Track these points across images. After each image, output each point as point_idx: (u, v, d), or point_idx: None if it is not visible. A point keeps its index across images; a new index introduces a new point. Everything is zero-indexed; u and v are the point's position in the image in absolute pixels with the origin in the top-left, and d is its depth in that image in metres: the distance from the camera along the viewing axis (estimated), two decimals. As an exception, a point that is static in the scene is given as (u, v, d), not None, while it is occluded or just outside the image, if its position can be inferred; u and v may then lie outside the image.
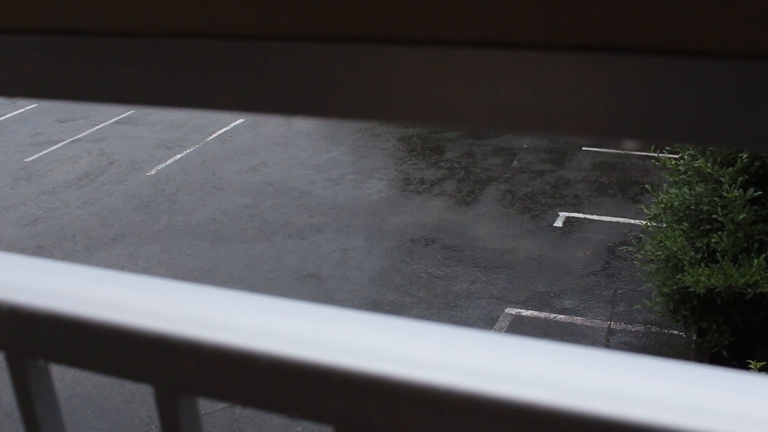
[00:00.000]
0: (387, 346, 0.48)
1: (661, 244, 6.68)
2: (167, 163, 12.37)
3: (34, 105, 15.17)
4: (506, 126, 0.41)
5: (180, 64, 0.46)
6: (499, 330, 7.72)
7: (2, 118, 14.82)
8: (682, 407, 0.41)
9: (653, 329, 7.66)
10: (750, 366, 5.20)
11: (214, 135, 13.36)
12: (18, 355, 0.58)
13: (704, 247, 6.55)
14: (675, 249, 6.55)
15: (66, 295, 0.56)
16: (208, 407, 6.62)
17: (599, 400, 0.43)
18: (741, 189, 6.34)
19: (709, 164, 6.53)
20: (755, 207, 6.38)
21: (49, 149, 13.15)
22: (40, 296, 0.56)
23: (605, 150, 11.79)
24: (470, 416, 0.45)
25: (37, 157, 12.85)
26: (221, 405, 6.40)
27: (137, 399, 6.89)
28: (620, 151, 11.70)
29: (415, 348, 0.48)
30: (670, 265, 6.68)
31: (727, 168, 6.46)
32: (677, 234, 6.63)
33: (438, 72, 0.40)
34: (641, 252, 7.10)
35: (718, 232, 6.38)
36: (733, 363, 6.45)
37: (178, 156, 12.61)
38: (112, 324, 0.53)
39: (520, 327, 7.76)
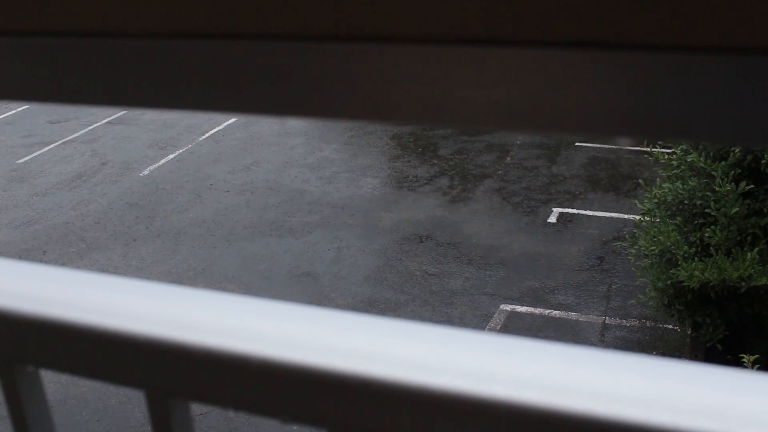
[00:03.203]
0: (380, 348, 0.48)
1: (655, 239, 6.69)
2: (160, 163, 12.35)
3: (26, 106, 15.13)
4: (498, 124, 0.41)
5: (171, 65, 0.46)
6: (495, 326, 7.72)
7: (-6, 119, 14.79)
8: (679, 407, 0.41)
9: (648, 324, 7.67)
10: (743, 360, 5.21)
11: (207, 134, 13.34)
12: (7, 360, 0.57)
13: (698, 242, 6.56)
14: (669, 243, 6.56)
15: (55, 299, 0.55)
16: (203, 407, 6.60)
17: (595, 401, 0.42)
18: (733, 183, 6.35)
19: (701, 158, 6.54)
20: (748, 201, 6.39)
21: (42, 150, 13.12)
22: (29, 301, 0.55)
23: (598, 145, 11.81)
24: (465, 418, 0.44)
25: (30, 159, 12.81)
26: (217, 405, 6.39)
27: (132, 401, 6.88)
28: (613, 147, 11.71)
29: (409, 350, 0.47)
30: (664, 259, 6.70)
31: (720, 162, 6.47)
32: (671, 228, 6.64)
33: (429, 70, 0.40)
34: (635, 247, 7.11)
35: (712, 227, 6.40)
36: (728, 357, 6.47)
37: (171, 156, 12.59)
38: (102, 328, 0.53)
39: (515, 323, 7.77)
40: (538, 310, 7.97)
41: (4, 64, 0.51)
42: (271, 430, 6.47)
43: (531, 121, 0.39)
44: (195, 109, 0.47)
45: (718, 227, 6.34)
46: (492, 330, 7.65)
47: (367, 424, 0.47)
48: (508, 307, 8.04)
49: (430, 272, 8.76)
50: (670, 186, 6.78)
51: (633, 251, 7.28)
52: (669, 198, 6.74)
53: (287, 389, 0.48)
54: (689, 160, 6.64)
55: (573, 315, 7.87)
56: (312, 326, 0.50)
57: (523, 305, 8.07)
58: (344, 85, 0.42)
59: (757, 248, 6.24)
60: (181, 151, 12.78)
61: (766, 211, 6.41)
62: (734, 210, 6.26)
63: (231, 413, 6.65)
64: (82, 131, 13.91)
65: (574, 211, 10.02)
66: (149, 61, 0.46)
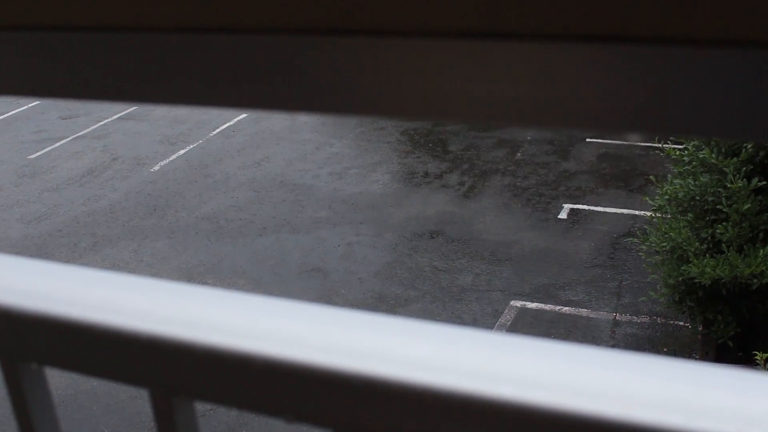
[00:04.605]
0: (386, 347, 0.47)
1: (666, 235, 6.67)
2: (171, 158, 12.38)
3: (37, 102, 15.19)
4: (505, 119, 0.40)
5: (178, 61, 0.45)
6: (505, 323, 7.71)
7: (6, 115, 14.84)
8: (690, 408, 0.40)
9: (659, 321, 7.65)
10: (756, 357, 5.19)
11: (217, 130, 13.36)
12: (11, 358, 0.57)
13: (709, 238, 6.53)
14: (680, 240, 6.54)
15: (60, 297, 0.55)
16: (213, 402, 6.61)
17: (604, 401, 0.42)
18: (745, 179, 6.32)
19: (713, 155, 6.51)
20: (760, 197, 6.36)
21: (53, 146, 13.17)
22: (33, 298, 0.55)
23: (609, 141, 11.77)
24: (471, 419, 0.44)
25: (41, 154, 12.87)
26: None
27: (143, 395, 6.86)
28: (624, 142, 11.68)
29: (415, 349, 0.47)
30: (675, 256, 6.67)
31: (732, 158, 6.44)
32: (682, 225, 6.61)
33: (436, 65, 0.39)
34: (646, 243, 7.08)
35: (723, 223, 6.37)
36: (740, 354, 6.44)
37: (182, 152, 12.62)
38: (106, 326, 0.52)
39: (524, 320, 7.76)
40: (548, 307, 7.95)
41: (11, 60, 0.50)
42: (280, 426, 6.49)
43: (539, 117, 0.39)
44: (202, 105, 0.46)
45: (730, 224, 6.31)
46: (502, 326, 7.65)
47: (372, 424, 0.46)
48: (518, 304, 8.02)
49: (440, 268, 8.76)
50: (682, 182, 6.75)
51: (644, 248, 7.25)
52: (680, 194, 6.71)
53: (292, 388, 0.48)
54: (701, 156, 6.61)
55: (583, 311, 7.85)
56: (317, 325, 0.50)
57: (533, 301, 8.05)
58: (351, 80, 0.42)
59: (769, 245, 6.21)
60: (191, 146, 12.81)
61: (778, 207, 6.38)
62: (746, 206, 6.23)
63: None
64: (93, 127, 13.96)
65: (585, 207, 9.99)
66: (156, 57, 0.45)
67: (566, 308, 7.92)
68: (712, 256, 6.35)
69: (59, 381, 7.01)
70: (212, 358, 0.49)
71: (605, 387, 0.42)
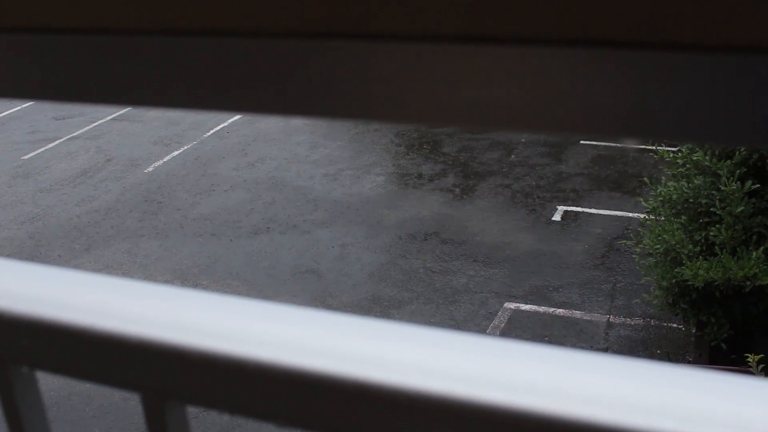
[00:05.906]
0: (379, 351, 0.47)
1: (660, 238, 6.68)
2: (165, 159, 12.36)
3: (31, 102, 15.16)
4: (498, 123, 0.40)
5: (172, 64, 0.45)
6: (498, 324, 7.72)
7: (-1, 115, 14.82)
8: (683, 413, 0.40)
9: (652, 323, 7.66)
10: (748, 359, 5.20)
11: (212, 131, 13.35)
12: (2, 361, 0.57)
13: (703, 240, 6.54)
14: (673, 242, 6.55)
15: (51, 300, 0.55)
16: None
17: (597, 406, 0.41)
18: (739, 182, 6.34)
19: (707, 157, 6.52)
20: (753, 200, 6.38)
21: (47, 147, 13.14)
22: (25, 301, 0.55)
23: (603, 144, 11.79)
24: (464, 423, 0.43)
25: (35, 155, 12.83)
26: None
27: (135, 397, 6.88)
28: (618, 145, 11.69)
29: (407, 353, 0.46)
30: (668, 258, 6.68)
31: (725, 161, 6.46)
32: (675, 227, 6.62)
33: (429, 69, 0.39)
34: (640, 245, 7.09)
35: (717, 225, 6.38)
36: (733, 356, 6.45)
37: (176, 153, 12.60)
38: (98, 330, 0.52)
39: (518, 321, 7.76)
40: (542, 309, 7.96)
41: (5, 62, 0.50)
42: (274, 430, 6.47)
43: (532, 122, 0.39)
44: (196, 108, 0.46)
45: (723, 226, 6.32)
46: (496, 328, 7.65)
47: (365, 428, 0.46)
48: (512, 305, 8.03)
49: (434, 270, 8.76)
50: (675, 184, 6.76)
51: (637, 250, 7.27)
52: (674, 196, 6.73)
53: (284, 393, 0.47)
54: (694, 158, 6.63)
55: (577, 313, 7.86)
56: (309, 329, 0.50)
57: (527, 303, 8.06)
58: (344, 84, 0.42)
59: (762, 247, 6.22)
60: (185, 147, 12.79)
61: (771, 210, 6.40)
62: (739, 209, 6.24)
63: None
64: (87, 127, 13.93)
65: (579, 209, 10.01)
66: (150, 60, 0.45)
67: (560, 310, 7.93)
68: (705, 259, 6.36)
69: (53, 383, 6.99)
70: (204, 362, 0.49)
71: (598, 392, 0.42)
